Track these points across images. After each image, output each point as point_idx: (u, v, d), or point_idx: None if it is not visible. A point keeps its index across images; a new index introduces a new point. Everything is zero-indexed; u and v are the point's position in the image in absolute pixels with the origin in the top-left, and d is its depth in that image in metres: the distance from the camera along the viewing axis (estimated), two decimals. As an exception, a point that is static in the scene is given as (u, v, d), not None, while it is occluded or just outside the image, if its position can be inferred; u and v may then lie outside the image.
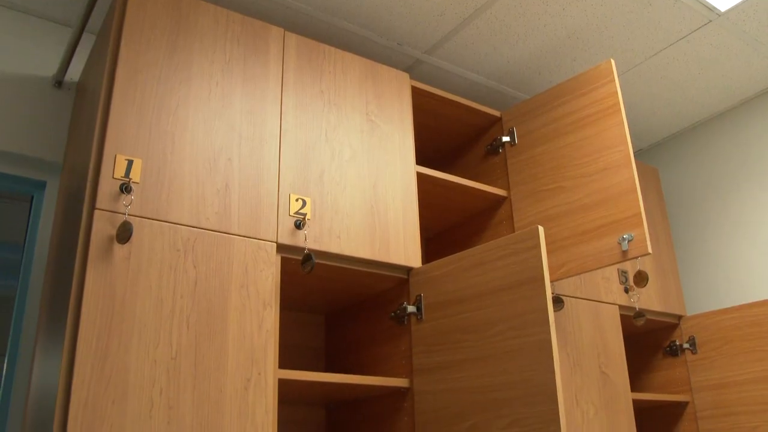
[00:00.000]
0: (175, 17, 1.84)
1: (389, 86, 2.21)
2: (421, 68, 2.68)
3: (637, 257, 2.00)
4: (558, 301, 2.32)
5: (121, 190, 1.61)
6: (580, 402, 2.28)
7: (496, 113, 2.52)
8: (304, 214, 1.85)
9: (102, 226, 1.57)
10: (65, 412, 1.43)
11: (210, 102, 1.82)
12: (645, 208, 2.83)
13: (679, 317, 2.85)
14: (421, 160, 2.19)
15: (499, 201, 2.41)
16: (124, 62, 1.72)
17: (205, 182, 1.74)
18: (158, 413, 1.52)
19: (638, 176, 2.77)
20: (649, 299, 2.72)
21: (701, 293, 3.04)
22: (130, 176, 1.64)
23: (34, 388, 1.87)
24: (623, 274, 2.63)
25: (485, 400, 1.70)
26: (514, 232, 2.32)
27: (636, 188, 2.02)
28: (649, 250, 1.97)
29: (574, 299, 2.41)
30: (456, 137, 2.65)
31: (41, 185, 2.44)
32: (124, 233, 1.56)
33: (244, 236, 1.75)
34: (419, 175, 2.16)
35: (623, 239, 2.01)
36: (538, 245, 1.66)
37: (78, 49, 2.30)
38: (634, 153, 3.34)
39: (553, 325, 1.60)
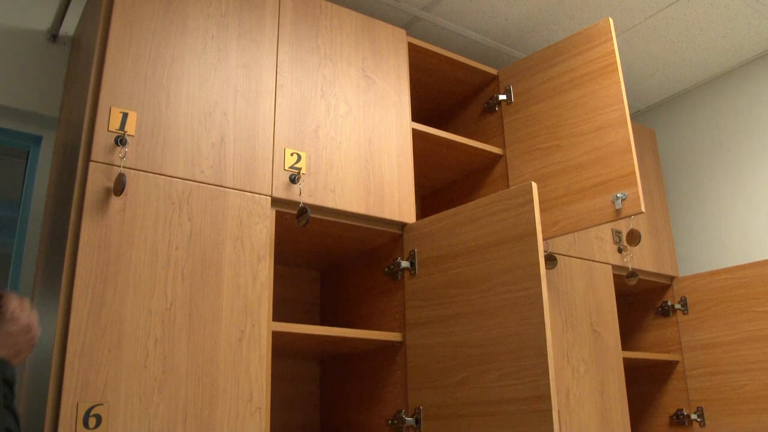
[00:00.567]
0: (169, -31, 1.82)
1: (386, 42, 2.20)
2: (418, 25, 2.66)
3: (630, 216, 2.01)
4: (551, 259, 2.33)
5: (116, 143, 1.61)
6: (570, 359, 2.32)
7: (493, 71, 2.51)
8: (299, 169, 1.86)
9: (97, 178, 1.58)
10: (62, 360, 1.45)
11: (205, 55, 1.81)
12: (640, 170, 2.84)
13: (672, 278, 2.87)
14: (417, 117, 2.18)
15: (494, 159, 2.42)
16: (118, 15, 1.71)
17: (200, 136, 1.74)
18: (153, 363, 1.54)
19: (635, 138, 2.77)
20: (642, 260, 2.74)
21: (694, 255, 3.06)
22: (125, 129, 1.64)
23: (30, 357, 1.89)
24: (617, 234, 2.65)
25: (476, 353, 1.72)
26: (508, 190, 2.32)
27: (631, 147, 2.02)
28: (642, 209, 1.98)
29: (567, 258, 2.43)
30: (452, 95, 2.64)
31: (37, 140, 2.43)
32: (119, 185, 1.57)
33: (238, 190, 1.76)
34: (415, 132, 2.16)
35: (617, 198, 2.02)
36: (531, 201, 1.67)
37: (72, 2, 2.28)
38: (631, 115, 3.34)
39: (545, 280, 1.62)
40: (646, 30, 2.75)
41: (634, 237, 2.31)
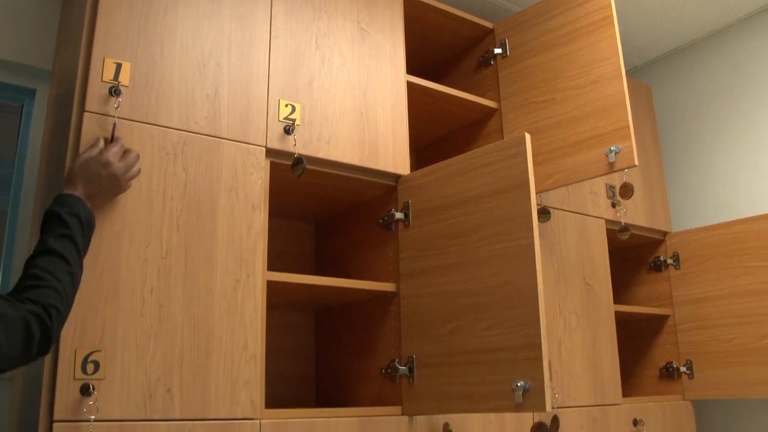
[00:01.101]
0: None
1: (381, -6, 2.18)
2: (415, -22, 2.63)
3: (623, 169, 2.02)
4: (545, 213, 2.35)
5: (111, 93, 1.61)
6: (563, 311, 2.35)
7: (489, 25, 2.49)
8: (294, 120, 1.86)
9: (92, 129, 1.58)
10: (59, 307, 1.47)
11: (199, 5, 1.80)
12: (636, 125, 2.84)
13: (665, 233, 2.89)
14: (412, 70, 2.18)
15: (489, 113, 2.42)
16: (111, -37, 1.69)
17: (194, 86, 1.74)
18: (149, 311, 1.56)
19: (631, 93, 2.77)
20: (635, 215, 2.76)
21: (687, 211, 3.08)
22: (119, 79, 1.64)
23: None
24: (610, 189, 2.66)
25: (468, 303, 1.75)
26: (503, 144, 2.33)
27: (625, 101, 2.02)
28: (636, 162, 1.99)
29: (561, 211, 2.45)
30: (448, 49, 2.63)
31: (31, 93, 2.43)
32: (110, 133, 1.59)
33: (233, 140, 1.76)
34: (409, 85, 2.16)
35: (611, 151, 2.03)
36: (524, 152, 1.68)
37: (64, -49, 2.25)
38: (628, 71, 3.33)
39: (537, 230, 1.63)
40: (643, -16, 2.73)
41: (627, 190, 2.32)
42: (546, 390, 1.55)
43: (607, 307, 2.51)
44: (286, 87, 1.89)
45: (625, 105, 2.01)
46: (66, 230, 1.40)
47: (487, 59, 2.47)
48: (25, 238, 2.16)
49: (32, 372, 1.65)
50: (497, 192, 1.73)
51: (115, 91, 1.62)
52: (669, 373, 2.79)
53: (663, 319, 2.85)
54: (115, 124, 1.59)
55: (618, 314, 2.57)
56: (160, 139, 1.66)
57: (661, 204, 2.89)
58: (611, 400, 2.42)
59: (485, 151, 1.78)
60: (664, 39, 3.15)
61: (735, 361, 2.61)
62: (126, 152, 1.57)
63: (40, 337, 1.26)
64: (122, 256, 1.56)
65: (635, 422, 2.47)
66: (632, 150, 1.99)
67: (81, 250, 1.42)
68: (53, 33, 2.28)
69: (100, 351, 1.49)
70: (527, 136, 1.69)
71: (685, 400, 2.73)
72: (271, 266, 1.79)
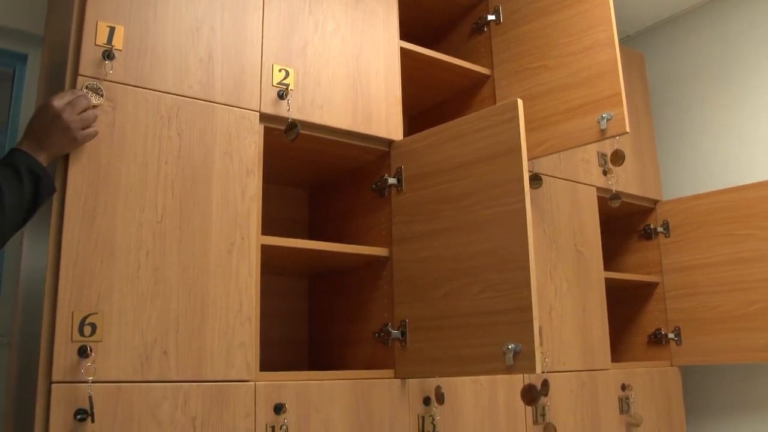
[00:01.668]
0: None
1: (374, -41, 2.17)
2: (408, -56, 2.62)
3: (615, 136, 2.03)
4: (537, 179, 2.37)
5: (104, 57, 1.61)
6: (554, 277, 2.37)
7: (483, -9, 2.49)
8: (287, 85, 1.86)
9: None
10: (56, 271, 1.49)
11: (192, -31, 1.79)
12: (628, 94, 2.84)
13: (655, 202, 2.92)
14: (405, 36, 2.18)
15: (482, 79, 2.42)
16: (102, -74, 1.68)
17: (187, 51, 1.74)
18: (145, 274, 1.58)
19: (624, 62, 2.76)
20: (627, 183, 2.78)
21: (678, 179, 3.10)
22: (113, 43, 1.64)
23: (25, 266, 1.92)
24: (602, 156, 2.68)
25: (460, 267, 1.77)
26: (496, 111, 2.33)
27: (617, 68, 2.03)
28: (627, 129, 2.00)
29: (552, 178, 2.46)
30: (442, 15, 2.62)
31: (23, 58, 2.42)
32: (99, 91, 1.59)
33: (227, 105, 1.76)
34: (403, 51, 2.16)
35: (602, 118, 2.03)
36: (516, 117, 1.69)
37: None
38: (621, 39, 3.32)
39: (528, 194, 1.65)
40: (637, -49, 2.72)
41: (618, 157, 2.34)
42: (536, 353, 1.57)
43: (597, 274, 2.54)
44: (279, 52, 1.88)
45: (618, 72, 2.02)
46: None
47: (481, 26, 2.47)
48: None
49: (29, 335, 1.67)
50: (490, 157, 1.74)
51: (108, 55, 1.61)
52: (657, 339, 2.83)
53: (652, 286, 2.88)
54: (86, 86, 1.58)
55: (608, 281, 2.60)
56: (155, 103, 1.66)
57: (652, 172, 2.91)
58: (600, 365, 2.46)
59: (478, 116, 1.79)
60: (658, 8, 3.15)
61: (722, 328, 2.65)
62: (85, 107, 1.54)
63: None
64: (117, 220, 1.57)
65: (623, 387, 2.51)
66: (624, 117, 2.00)
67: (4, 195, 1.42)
68: (44, -3, 2.26)
69: (96, 314, 1.50)
70: (520, 102, 1.70)
71: (672, 366, 2.77)
72: (265, 232, 1.80)
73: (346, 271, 2.22)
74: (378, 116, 2.04)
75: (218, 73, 1.77)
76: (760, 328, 2.54)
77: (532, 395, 1.81)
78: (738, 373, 2.84)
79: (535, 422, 2.20)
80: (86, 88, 1.57)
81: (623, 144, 2.77)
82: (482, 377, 2.11)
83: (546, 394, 2.20)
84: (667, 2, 3.10)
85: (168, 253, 1.61)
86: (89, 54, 1.60)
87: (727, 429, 2.86)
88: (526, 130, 2.16)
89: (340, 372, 1.87)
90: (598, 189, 2.64)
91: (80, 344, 1.47)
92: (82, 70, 1.58)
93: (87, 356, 1.47)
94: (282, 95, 1.84)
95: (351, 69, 2.01)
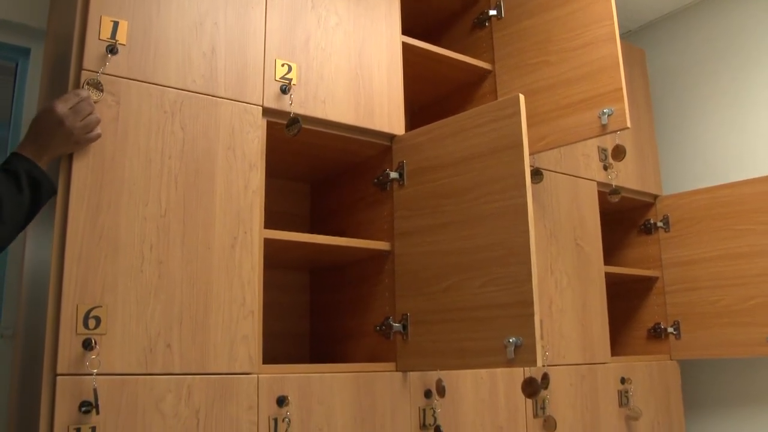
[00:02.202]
0: None
1: (377, -46, 2.17)
2: (410, -61, 2.62)
3: (616, 131, 2.05)
4: (538, 174, 2.38)
5: (108, 52, 1.62)
6: (554, 271, 2.39)
7: (485, -14, 2.50)
8: (290, 79, 1.87)
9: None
10: (60, 265, 1.50)
11: (194, -36, 1.80)
12: (629, 89, 2.85)
13: (655, 197, 2.93)
14: (407, 31, 2.18)
15: (483, 75, 2.43)
16: None
17: (191, 45, 1.75)
18: (149, 267, 1.59)
19: (625, 57, 2.78)
20: (627, 178, 2.79)
21: (678, 174, 3.11)
22: (116, 38, 1.64)
23: (29, 259, 1.93)
24: (603, 151, 2.68)
25: (462, 261, 1.78)
26: (497, 106, 2.34)
27: (619, 63, 2.03)
28: (628, 124, 2.01)
29: (553, 173, 2.47)
30: (443, 10, 2.63)
31: (25, 52, 2.42)
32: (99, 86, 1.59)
33: (230, 99, 1.77)
34: (405, 46, 2.16)
35: (603, 113, 2.05)
36: (518, 112, 1.70)
37: None
38: (622, 34, 3.33)
39: (530, 189, 1.66)
40: (638, -54, 2.72)
41: (619, 152, 2.35)
42: (537, 346, 1.59)
43: (597, 268, 2.55)
44: (282, 46, 1.89)
45: (619, 67, 2.03)
46: None
47: (482, 21, 2.48)
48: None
49: (34, 328, 1.68)
50: (491, 152, 1.75)
51: (112, 50, 1.62)
52: (656, 333, 2.84)
53: (652, 280, 2.90)
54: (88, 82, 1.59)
55: (608, 275, 2.61)
56: (158, 97, 1.67)
57: (652, 167, 2.92)
58: (600, 359, 2.47)
59: (480, 111, 1.80)
60: (659, 3, 3.15)
61: (721, 322, 2.67)
62: (88, 113, 1.54)
63: None
64: (121, 214, 1.58)
65: (623, 380, 2.53)
66: (625, 112, 2.01)
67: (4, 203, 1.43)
68: (47, -9, 2.27)
69: (101, 306, 1.51)
70: (521, 97, 1.71)
71: (671, 359, 2.79)
72: (267, 226, 1.81)
73: (347, 265, 2.24)
74: (380, 111, 2.05)
75: (221, 68, 1.78)
76: (759, 322, 2.55)
77: (532, 388, 1.82)
78: (736, 367, 2.86)
79: (535, 415, 2.22)
80: (87, 84, 1.58)
81: (624, 139, 2.78)
82: (483, 371, 2.12)
83: (546, 388, 2.21)
84: (668, -3, 3.10)
85: (172, 246, 1.62)
86: (93, 49, 1.61)
87: (725, 422, 2.88)
88: (528, 125, 2.16)
89: (342, 365, 1.88)
90: (599, 184, 2.65)
91: (85, 337, 1.48)
92: (85, 64, 1.59)
93: (92, 349, 1.48)
94: (285, 90, 1.85)
95: (353, 64, 2.02)
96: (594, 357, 2.45)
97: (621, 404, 2.50)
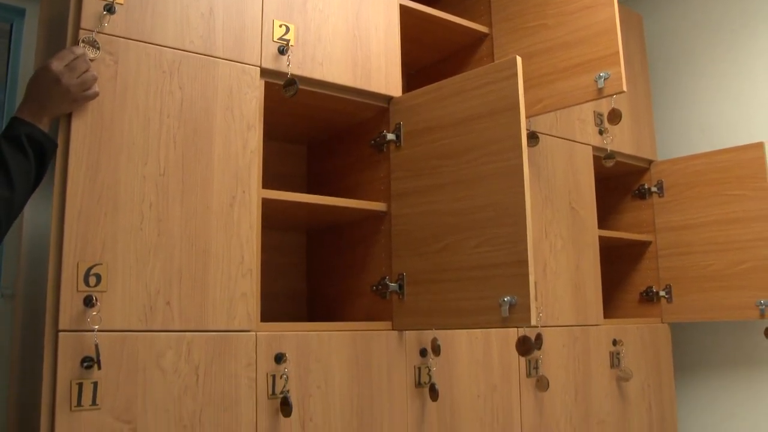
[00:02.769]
0: None
1: None
2: None
3: (612, 95, 2.06)
4: (533, 137, 2.39)
5: (105, 11, 1.61)
6: (549, 234, 2.41)
7: (482, -51, 2.48)
8: (288, 41, 1.87)
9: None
10: (61, 222, 1.51)
11: None
12: (626, 55, 2.84)
13: (650, 162, 2.95)
14: (404, -5, 2.19)
15: (480, 38, 2.43)
16: None
17: (189, 5, 1.74)
18: (148, 225, 1.61)
19: (622, 22, 2.76)
20: (622, 143, 2.80)
21: (673, 140, 3.13)
22: (114, -3, 1.64)
23: (28, 219, 1.95)
24: (598, 116, 2.69)
25: (458, 222, 1.80)
26: (494, 69, 2.34)
27: (616, 27, 2.04)
28: (624, 88, 2.02)
29: (549, 137, 2.48)
30: (441, -27, 2.62)
31: (20, 12, 2.41)
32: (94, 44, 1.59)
33: (228, 60, 1.77)
34: (402, 8, 2.16)
35: (600, 77, 2.05)
36: (515, 75, 1.71)
37: None
38: (619, -2, 3.31)
39: (525, 150, 1.67)
40: None
41: (615, 116, 2.36)
42: (531, 305, 1.62)
43: (591, 232, 2.58)
44: (280, 7, 1.89)
45: (616, 31, 2.03)
46: None
47: (480, -17, 2.47)
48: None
49: (34, 287, 1.70)
50: (488, 114, 1.76)
51: (110, 9, 1.62)
52: (649, 297, 2.88)
53: (645, 245, 2.92)
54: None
55: (602, 239, 2.64)
56: (156, 57, 1.67)
57: (647, 133, 2.93)
58: (592, 321, 2.51)
59: (477, 73, 1.81)
60: (657, -33, 3.13)
61: (712, 286, 2.70)
62: (84, 70, 1.54)
63: None
64: (120, 172, 1.59)
65: (614, 342, 2.57)
66: (621, 76, 2.01)
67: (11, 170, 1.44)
68: (42, -50, 2.25)
69: (101, 264, 1.53)
70: (519, 59, 1.71)
71: (663, 322, 2.83)
72: (265, 187, 1.83)
73: (344, 226, 2.25)
74: (377, 73, 2.05)
75: (219, 28, 1.78)
76: (749, 286, 2.59)
77: (526, 346, 1.86)
78: (726, 330, 2.91)
79: (528, 375, 2.26)
80: (83, 42, 1.57)
81: (619, 104, 2.78)
82: (477, 331, 2.15)
83: (539, 348, 2.25)
84: (666, -38, 3.09)
85: (171, 205, 1.64)
86: (90, 8, 1.60)
87: (714, 384, 2.93)
88: (525, 89, 2.17)
89: (339, 323, 1.91)
90: (594, 148, 2.66)
91: (86, 294, 1.50)
92: (83, 24, 1.59)
93: (93, 306, 1.50)
94: (282, 51, 1.85)
95: (351, 25, 2.02)
96: (587, 319, 2.49)
97: (612, 365, 2.54)
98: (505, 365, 2.21)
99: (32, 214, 1.88)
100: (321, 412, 1.80)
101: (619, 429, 2.53)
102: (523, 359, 2.25)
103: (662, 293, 2.84)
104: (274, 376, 1.73)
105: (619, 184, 3.04)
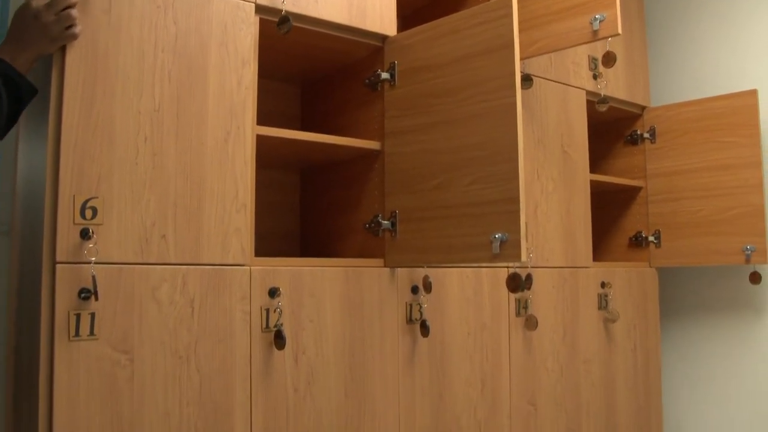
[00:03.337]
0: None
1: None
2: None
3: (607, 38, 2.06)
4: (527, 80, 2.39)
5: (98, -55, 1.60)
6: (540, 176, 2.43)
7: None
8: (283, -24, 1.86)
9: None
10: (56, 155, 1.52)
11: None
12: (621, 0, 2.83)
13: (643, 108, 2.95)
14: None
15: (476, -21, 2.41)
16: None
17: (182, -61, 1.73)
18: (143, 159, 1.62)
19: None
20: (616, 88, 2.80)
21: (667, 86, 3.13)
22: (106, -68, 1.62)
23: (22, 155, 1.95)
24: (593, 60, 2.69)
25: (452, 160, 1.82)
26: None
27: (612, -32, 2.03)
28: (619, 30, 2.02)
29: (543, 80, 2.48)
30: None
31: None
32: None
33: (222, -5, 1.77)
34: (398, -55, 2.14)
35: (595, 19, 2.05)
36: (510, 14, 1.71)
37: None
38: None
39: (519, 89, 1.68)
40: None
41: (609, 59, 2.36)
42: (522, 242, 1.65)
43: (583, 176, 2.60)
44: (275, -58, 1.87)
45: (612, -28, 2.02)
46: None
47: (477, -76, 2.44)
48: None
49: (30, 222, 1.71)
50: (483, 52, 1.77)
51: (102, -58, 1.60)
52: (638, 241, 2.92)
53: (636, 190, 2.95)
54: None
55: (593, 184, 2.66)
56: (150, -10, 1.66)
57: (641, 79, 2.93)
58: (582, 263, 2.55)
59: (472, 12, 1.81)
60: None
61: (699, 231, 2.74)
62: (63, 6, 1.50)
63: None
64: (116, 106, 1.59)
65: (603, 285, 2.61)
66: (617, 18, 2.01)
67: None
68: None
69: (97, 197, 1.55)
70: (513, -2, 1.71)
71: (651, 267, 2.87)
72: (259, 124, 1.83)
73: (338, 164, 2.27)
74: (372, 11, 2.04)
75: (213, -37, 1.76)
76: (736, 232, 2.63)
77: (516, 283, 1.90)
78: (711, 274, 2.95)
79: (518, 314, 2.30)
80: None
81: (614, 49, 2.77)
82: (468, 270, 2.19)
83: (529, 288, 2.29)
84: None
85: (166, 140, 1.65)
86: (83, -61, 1.58)
87: (698, 327, 2.99)
88: (520, 30, 2.16)
89: (332, 260, 1.94)
90: (588, 93, 2.66)
91: (82, 227, 1.52)
92: (75, -42, 1.57)
93: (89, 238, 1.52)
94: (277, -14, 1.84)
95: (346, -38, 2.00)
96: (576, 261, 2.52)
97: (600, 307, 2.59)
98: (495, 304, 2.25)
99: (27, 151, 1.88)
100: (313, 346, 1.84)
101: (604, 368, 2.60)
102: (513, 299, 2.29)
103: (651, 238, 2.88)
104: (267, 310, 1.76)
105: (612, 129, 3.05)
